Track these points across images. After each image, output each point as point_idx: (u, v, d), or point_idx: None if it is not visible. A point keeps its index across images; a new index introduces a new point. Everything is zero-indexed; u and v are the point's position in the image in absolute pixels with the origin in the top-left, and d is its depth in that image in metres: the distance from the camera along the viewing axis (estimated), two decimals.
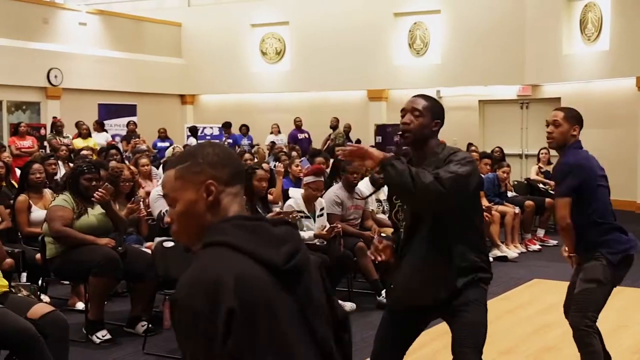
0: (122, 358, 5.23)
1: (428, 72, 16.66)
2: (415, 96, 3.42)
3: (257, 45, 19.07)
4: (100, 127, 14.86)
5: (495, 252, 8.94)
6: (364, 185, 7.53)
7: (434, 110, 3.35)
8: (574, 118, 4.05)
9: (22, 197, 6.58)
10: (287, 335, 1.68)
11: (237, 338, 1.60)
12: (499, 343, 5.57)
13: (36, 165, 6.74)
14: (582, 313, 4.02)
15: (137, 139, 13.52)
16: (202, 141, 1.93)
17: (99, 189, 5.62)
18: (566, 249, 4.16)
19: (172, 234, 1.86)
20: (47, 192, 6.82)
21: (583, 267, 4.07)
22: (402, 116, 3.36)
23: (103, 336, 5.50)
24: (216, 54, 18.98)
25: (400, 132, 3.42)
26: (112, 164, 7.53)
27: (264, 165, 7.91)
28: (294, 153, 11.17)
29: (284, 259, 1.70)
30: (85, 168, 5.74)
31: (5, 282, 4.20)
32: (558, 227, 4.00)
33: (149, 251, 5.90)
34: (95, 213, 5.68)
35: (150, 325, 5.68)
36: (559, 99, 15.03)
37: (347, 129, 16.28)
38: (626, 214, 11.55)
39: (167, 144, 14.83)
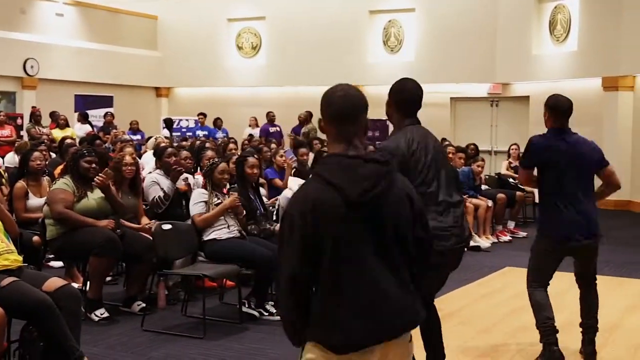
0: (123, 334, 5.45)
1: (401, 69, 16.85)
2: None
3: (233, 40, 19.25)
4: (83, 118, 14.92)
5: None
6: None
7: (390, 93, 3.82)
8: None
9: (20, 184, 6.75)
10: (357, 249, 2.35)
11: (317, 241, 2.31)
12: (478, 323, 5.94)
13: (37, 153, 6.91)
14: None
15: (116, 130, 13.64)
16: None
17: (99, 174, 5.86)
18: None
19: None
20: (45, 180, 6.99)
21: None
22: None
23: (102, 314, 5.73)
24: (192, 47, 19.12)
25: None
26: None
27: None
28: (272, 145, 11.45)
29: (360, 193, 2.32)
30: (85, 151, 5.99)
31: (20, 258, 4.42)
32: None
33: (146, 234, 6.14)
34: (94, 197, 5.91)
35: (145, 305, 5.93)
36: (528, 97, 15.51)
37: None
38: None
39: (138, 136, 14.94)
